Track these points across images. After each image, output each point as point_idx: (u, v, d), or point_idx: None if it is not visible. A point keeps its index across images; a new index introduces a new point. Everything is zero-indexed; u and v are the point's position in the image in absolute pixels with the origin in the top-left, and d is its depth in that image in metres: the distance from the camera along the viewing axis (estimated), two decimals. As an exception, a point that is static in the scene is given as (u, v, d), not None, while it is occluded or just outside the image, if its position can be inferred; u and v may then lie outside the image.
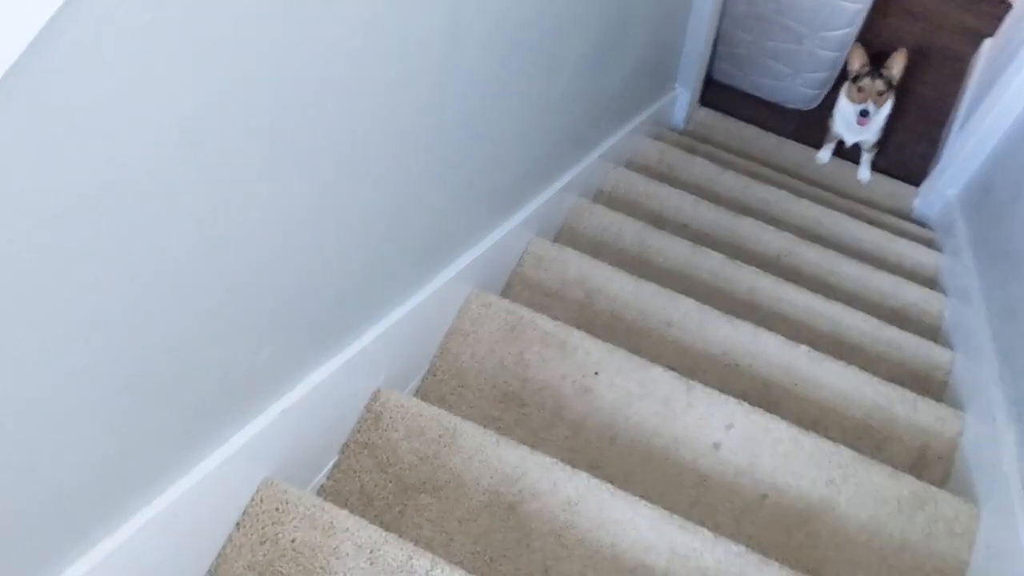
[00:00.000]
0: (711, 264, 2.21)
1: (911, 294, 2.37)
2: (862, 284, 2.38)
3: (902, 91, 2.92)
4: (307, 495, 1.27)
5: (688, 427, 1.66)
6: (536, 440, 1.63)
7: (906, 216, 3.01)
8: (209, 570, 1.21)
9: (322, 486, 1.44)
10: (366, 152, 1.16)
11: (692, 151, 2.92)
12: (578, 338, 1.74)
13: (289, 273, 1.12)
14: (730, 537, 1.41)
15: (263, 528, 1.24)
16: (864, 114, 2.79)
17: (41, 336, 0.76)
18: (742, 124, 3.31)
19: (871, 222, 2.72)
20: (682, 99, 3.14)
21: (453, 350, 1.73)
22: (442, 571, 1.20)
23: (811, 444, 1.64)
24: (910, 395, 1.86)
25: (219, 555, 1.22)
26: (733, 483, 1.62)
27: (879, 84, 2.77)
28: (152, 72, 0.74)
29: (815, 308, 2.14)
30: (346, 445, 1.47)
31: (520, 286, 1.99)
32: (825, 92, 3.18)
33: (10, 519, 0.84)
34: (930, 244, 2.73)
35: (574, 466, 1.45)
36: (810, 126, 3.25)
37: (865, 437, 1.83)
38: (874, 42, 2.92)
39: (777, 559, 1.40)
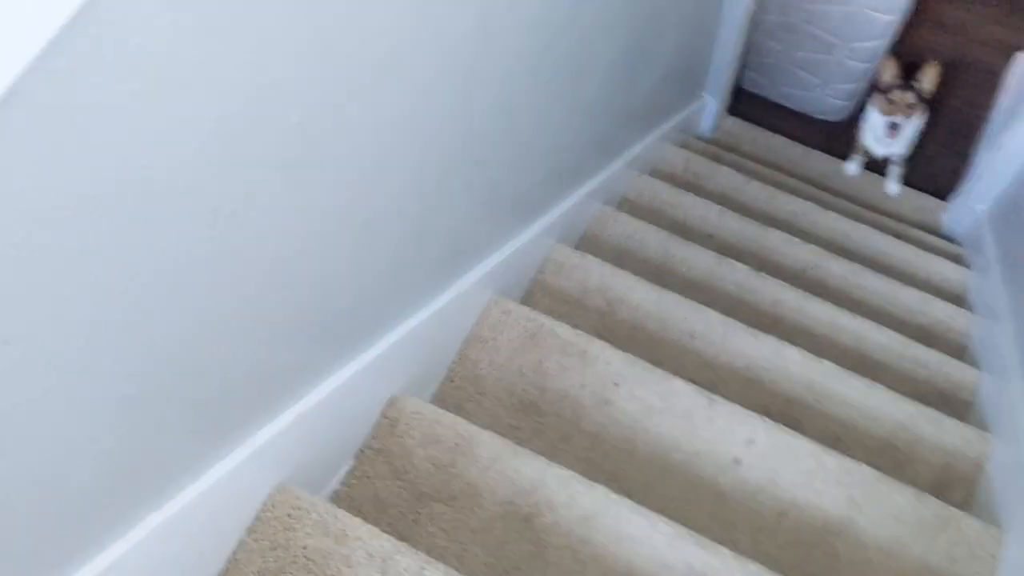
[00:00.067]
0: (736, 276, 2.18)
1: (938, 311, 2.33)
2: (888, 299, 2.34)
3: (933, 104, 2.88)
4: (320, 501, 1.25)
5: (709, 442, 1.63)
6: (553, 451, 1.61)
7: (934, 231, 2.96)
8: (219, 575, 1.20)
9: (336, 492, 1.43)
10: (389, 158, 1.15)
11: (718, 160, 2.89)
12: (598, 348, 1.71)
13: (308, 277, 1.11)
14: (748, 555, 1.38)
15: (275, 534, 1.22)
16: (893, 127, 2.76)
17: (54, 335, 0.76)
18: (769, 134, 3.28)
19: (898, 236, 2.68)
20: (710, 107, 3.12)
21: (472, 357, 1.71)
22: (455, 583, 1.18)
23: (833, 462, 1.61)
24: (935, 414, 1.82)
25: (230, 560, 1.21)
26: (752, 500, 1.59)
27: (909, 96, 2.74)
28: (177, 74, 0.73)
29: (840, 323, 2.11)
30: (361, 451, 1.46)
31: (541, 293, 1.97)
32: (854, 103, 3.14)
33: (19, 522, 0.83)
34: (958, 260, 2.69)
35: (591, 478, 1.43)
36: (838, 137, 3.21)
37: (888, 456, 1.79)
38: (905, 54, 2.88)
39: (796, 580, 1.38)
